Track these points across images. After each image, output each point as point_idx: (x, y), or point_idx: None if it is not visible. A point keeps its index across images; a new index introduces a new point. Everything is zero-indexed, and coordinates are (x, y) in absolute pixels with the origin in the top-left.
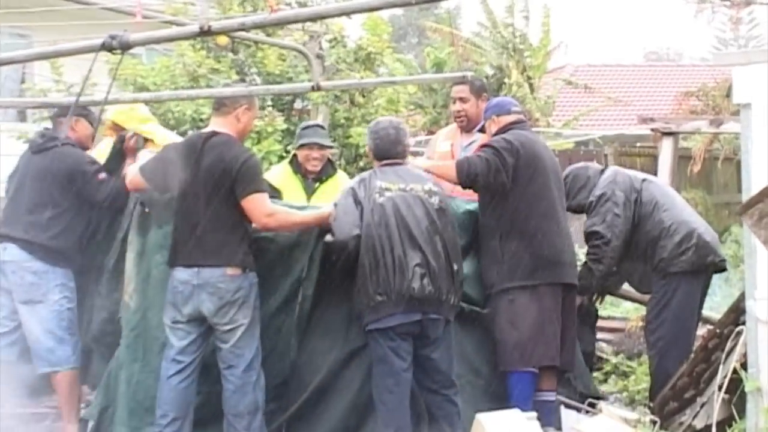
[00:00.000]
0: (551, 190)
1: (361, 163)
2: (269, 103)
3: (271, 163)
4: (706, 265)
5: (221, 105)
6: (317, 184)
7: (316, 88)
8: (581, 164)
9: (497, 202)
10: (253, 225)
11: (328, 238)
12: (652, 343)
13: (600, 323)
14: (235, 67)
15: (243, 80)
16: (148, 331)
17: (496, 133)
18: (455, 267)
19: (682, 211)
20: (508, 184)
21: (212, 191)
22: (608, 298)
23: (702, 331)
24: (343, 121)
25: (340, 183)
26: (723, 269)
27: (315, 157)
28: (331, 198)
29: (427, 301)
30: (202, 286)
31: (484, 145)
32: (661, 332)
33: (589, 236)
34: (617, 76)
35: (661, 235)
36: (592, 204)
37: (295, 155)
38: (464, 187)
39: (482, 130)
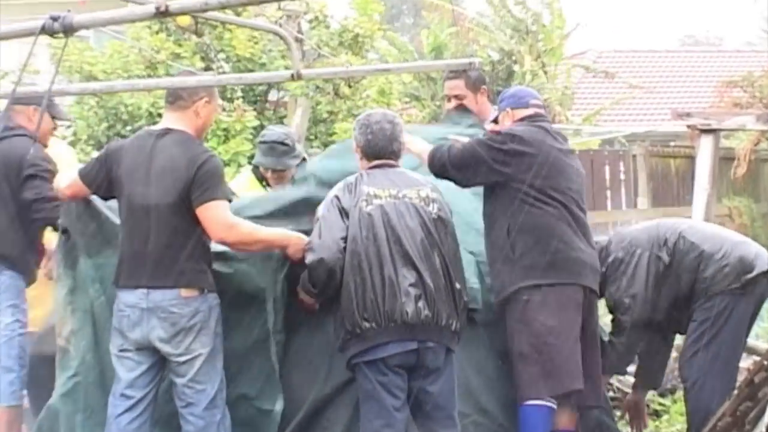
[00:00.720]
0: (568, 179)
1: None
2: (239, 94)
3: (240, 166)
4: (757, 283)
5: (177, 97)
6: None
7: (295, 77)
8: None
9: (500, 191)
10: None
11: (310, 257)
12: (689, 376)
13: None
14: (200, 52)
15: (209, 67)
16: (90, 377)
17: (514, 124)
18: (457, 286)
19: (719, 232)
20: (499, 179)
21: (165, 198)
22: None
23: (747, 363)
24: (326, 115)
25: None
26: None
27: (273, 177)
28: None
29: (424, 327)
30: (153, 310)
31: (485, 136)
32: (699, 363)
33: (612, 310)
34: (648, 64)
35: (700, 264)
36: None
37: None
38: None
39: (495, 121)
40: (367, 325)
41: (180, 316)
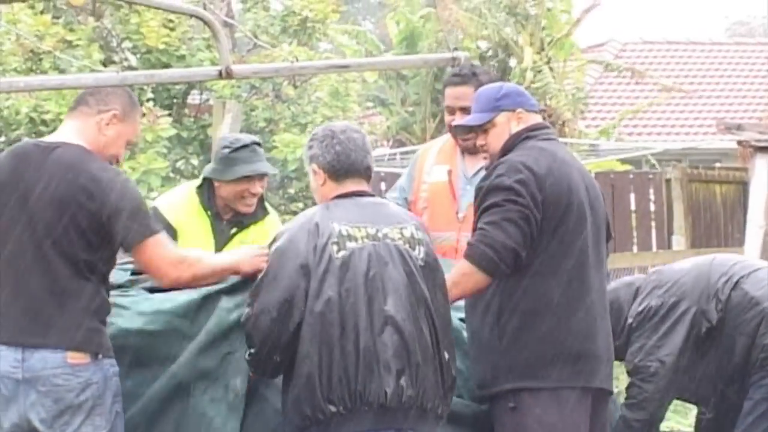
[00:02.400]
0: (585, 238)
1: (292, 190)
2: (150, 95)
3: (151, 189)
4: None
5: (80, 102)
6: (234, 230)
7: (224, 74)
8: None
9: None
10: (163, 282)
11: (246, 312)
12: None
13: None
14: (98, 39)
15: (110, 60)
16: None
17: (512, 139)
18: (446, 357)
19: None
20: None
21: (50, 232)
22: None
23: None
24: (263, 124)
25: (268, 232)
26: None
27: (255, 192)
28: None
29: (405, 411)
30: (30, 381)
31: (490, 190)
32: None
33: (631, 374)
34: (687, 59)
35: (761, 325)
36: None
37: (209, 183)
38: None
39: (485, 127)
40: (332, 408)
41: (66, 389)
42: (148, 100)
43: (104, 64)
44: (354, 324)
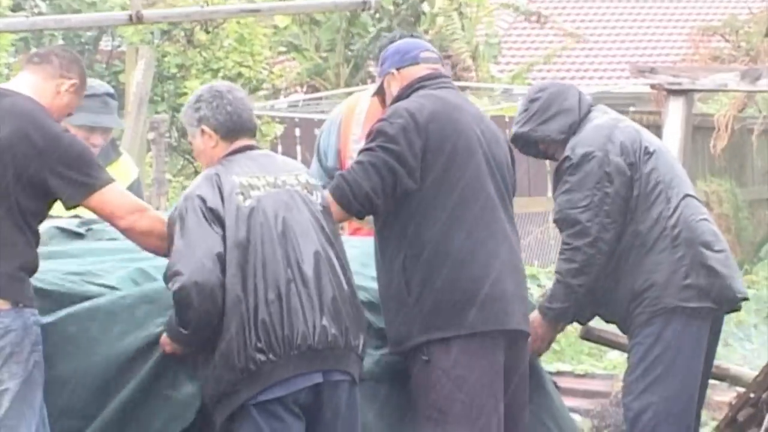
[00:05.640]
0: (485, 182)
1: None
2: (60, 42)
3: None
4: (720, 300)
5: (45, 59)
6: None
7: (134, 19)
8: (568, 85)
9: (396, 208)
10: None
11: (177, 284)
12: (634, 417)
13: (572, 383)
14: None
15: (20, 6)
16: None
17: (398, 97)
18: (357, 296)
19: (694, 209)
20: (412, 185)
21: None
22: (584, 345)
23: (726, 395)
24: (175, 70)
25: (124, 173)
26: (737, 308)
27: (96, 144)
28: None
29: (331, 350)
30: None
31: (372, 132)
32: (647, 400)
33: (564, 224)
34: (599, 3)
35: (656, 243)
36: (570, 165)
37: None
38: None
39: (381, 93)
40: (261, 357)
41: None
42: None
43: (13, 10)
44: (273, 270)
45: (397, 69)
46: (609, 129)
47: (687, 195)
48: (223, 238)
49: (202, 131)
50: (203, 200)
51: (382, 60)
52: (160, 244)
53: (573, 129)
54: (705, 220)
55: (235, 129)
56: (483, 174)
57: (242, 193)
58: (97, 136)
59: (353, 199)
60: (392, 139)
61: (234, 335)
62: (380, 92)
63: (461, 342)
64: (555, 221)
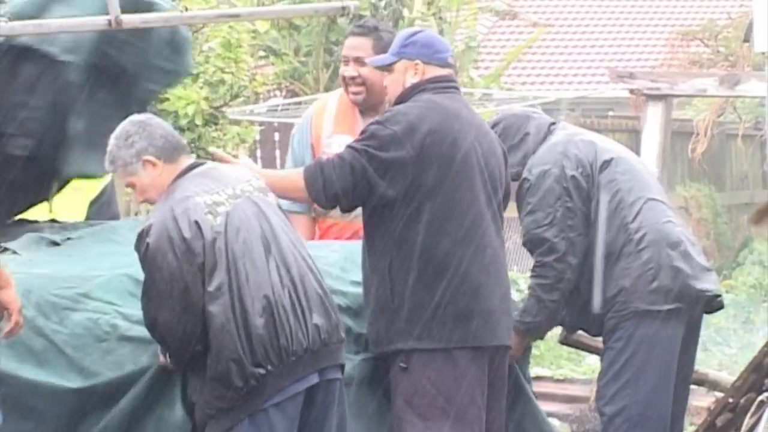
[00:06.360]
0: (477, 196)
1: (184, 140)
2: None
3: None
4: (691, 300)
5: None
6: None
7: (114, 24)
8: (520, 111)
9: (382, 212)
10: None
11: (162, 359)
12: (607, 421)
13: (551, 388)
14: None
15: None
16: None
17: (403, 94)
18: (326, 287)
19: (658, 212)
20: (393, 194)
21: None
22: (563, 350)
23: (705, 400)
24: None
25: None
26: (718, 307)
27: None
28: (73, 205)
29: (326, 348)
30: None
31: (366, 131)
32: (619, 404)
33: (532, 245)
34: (578, 7)
35: (623, 249)
36: (529, 187)
37: None
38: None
39: (387, 69)
40: (261, 371)
41: None
42: None
43: None
44: (257, 282)
45: (424, 62)
46: (563, 145)
47: (650, 199)
48: (201, 265)
49: (144, 162)
50: (174, 226)
51: (406, 43)
52: None
53: (528, 156)
54: (670, 222)
55: (175, 148)
56: (476, 188)
57: (210, 213)
58: None
59: (321, 192)
60: (381, 146)
61: (229, 357)
62: (387, 69)
63: (443, 354)
64: (524, 244)
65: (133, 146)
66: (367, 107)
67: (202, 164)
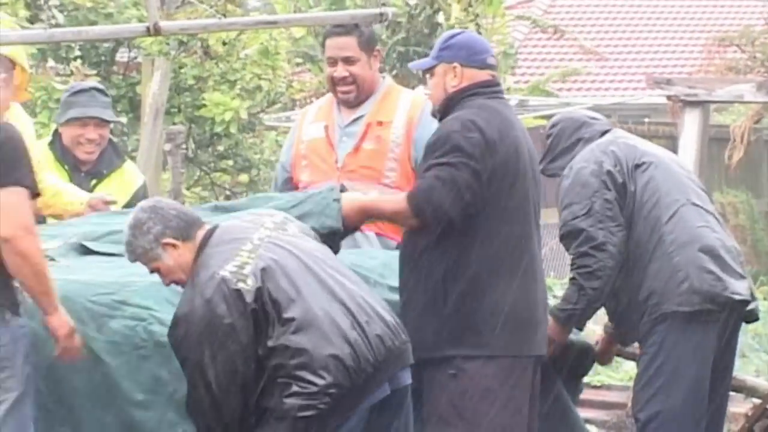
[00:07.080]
0: (529, 205)
1: (221, 147)
2: (77, 53)
3: None
4: (721, 303)
5: None
6: (94, 182)
7: (152, 31)
8: (578, 115)
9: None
10: None
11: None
12: (641, 427)
13: (588, 395)
14: None
15: (37, 17)
16: None
17: (451, 98)
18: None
19: (694, 216)
20: (480, 205)
21: None
22: None
23: (743, 407)
24: (192, 82)
25: (129, 180)
26: (754, 318)
27: (91, 138)
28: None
29: (393, 354)
30: None
31: (444, 141)
32: (653, 409)
33: (569, 237)
34: (614, 15)
35: (655, 251)
36: (567, 182)
37: (58, 135)
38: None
39: (430, 72)
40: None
41: None
42: (75, 58)
43: (31, 21)
44: (327, 315)
45: (463, 65)
46: (605, 145)
47: (688, 203)
48: (246, 345)
49: (164, 245)
50: (232, 328)
51: (444, 46)
52: (29, 272)
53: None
54: (706, 227)
55: (190, 225)
56: (529, 196)
57: (240, 280)
58: (91, 130)
59: (433, 221)
60: (471, 155)
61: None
62: (428, 72)
63: (489, 360)
64: (561, 239)
65: (150, 232)
66: (351, 104)
67: (214, 230)
